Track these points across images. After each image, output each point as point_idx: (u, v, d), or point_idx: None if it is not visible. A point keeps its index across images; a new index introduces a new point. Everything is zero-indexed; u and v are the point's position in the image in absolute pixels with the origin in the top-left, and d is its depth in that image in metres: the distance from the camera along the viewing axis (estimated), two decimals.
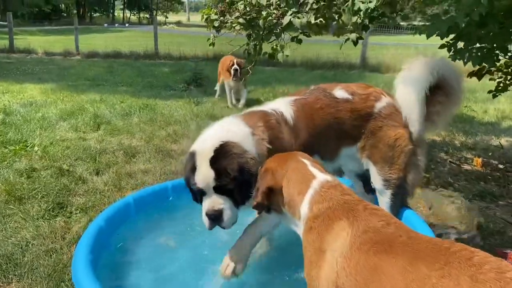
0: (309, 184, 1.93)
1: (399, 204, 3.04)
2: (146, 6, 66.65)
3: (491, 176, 5.06)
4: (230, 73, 8.94)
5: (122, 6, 69.33)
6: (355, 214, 1.74)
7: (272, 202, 2.08)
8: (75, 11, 54.68)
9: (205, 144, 2.46)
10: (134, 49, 18.51)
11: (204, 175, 2.36)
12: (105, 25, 50.94)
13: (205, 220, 2.44)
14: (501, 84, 5.04)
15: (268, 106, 2.86)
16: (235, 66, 8.82)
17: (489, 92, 5.20)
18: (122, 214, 3.31)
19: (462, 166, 5.47)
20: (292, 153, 2.21)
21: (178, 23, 58.90)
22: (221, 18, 4.36)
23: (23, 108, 7.82)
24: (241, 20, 4.09)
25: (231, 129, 2.55)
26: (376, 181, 2.98)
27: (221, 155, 2.38)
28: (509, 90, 5.08)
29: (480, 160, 5.52)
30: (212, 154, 2.38)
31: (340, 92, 2.93)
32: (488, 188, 4.66)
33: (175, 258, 2.96)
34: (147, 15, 65.99)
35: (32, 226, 3.63)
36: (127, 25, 55.71)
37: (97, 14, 64.47)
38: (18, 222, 3.72)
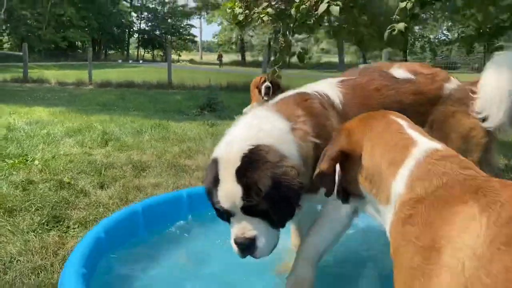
0: (406, 152, 1.31)
1: None
2: (160, 44, 68.26)
3: None
4: (260, 91, 7.52)
5: (136, 44, 71.22)
6: (489, 194, 1.11)
7: (346, 176, 1.46)
8: (90, 49, 56.21)
9: (230, 149, 1.89)
10: (147, 79, 18.34)
11: (229, 193, 1.80)
12: (119, 61, 51.94)
13: (235, 248, 1.88)
14: None
15: (309, 88, 2.32)
16: (267, 83, 7.24)
17: None
18: (127, 225, 2.74)
19: None
20: (382, 112, 1.60)
21: (191, 61, 60.01)
22: (246, 11, 3.90)
23: (28, 126, 7.36)
24: (270, 10, 3.62)
25: (263, 126, 1.96)
26: None
27: (251, 165, 1.80)
28: None
29: None
30: (238, 163, 1.81)
31: (399, 71, 2.40)
32: None
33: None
34: (161, 53, 67.41)
35: (20, 241, 3.02)
36: (141, 61, 56.80)
37: (112, 51, 66.11)
38: (4, 236, 3.12)
